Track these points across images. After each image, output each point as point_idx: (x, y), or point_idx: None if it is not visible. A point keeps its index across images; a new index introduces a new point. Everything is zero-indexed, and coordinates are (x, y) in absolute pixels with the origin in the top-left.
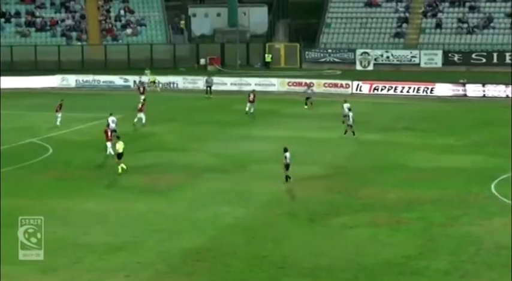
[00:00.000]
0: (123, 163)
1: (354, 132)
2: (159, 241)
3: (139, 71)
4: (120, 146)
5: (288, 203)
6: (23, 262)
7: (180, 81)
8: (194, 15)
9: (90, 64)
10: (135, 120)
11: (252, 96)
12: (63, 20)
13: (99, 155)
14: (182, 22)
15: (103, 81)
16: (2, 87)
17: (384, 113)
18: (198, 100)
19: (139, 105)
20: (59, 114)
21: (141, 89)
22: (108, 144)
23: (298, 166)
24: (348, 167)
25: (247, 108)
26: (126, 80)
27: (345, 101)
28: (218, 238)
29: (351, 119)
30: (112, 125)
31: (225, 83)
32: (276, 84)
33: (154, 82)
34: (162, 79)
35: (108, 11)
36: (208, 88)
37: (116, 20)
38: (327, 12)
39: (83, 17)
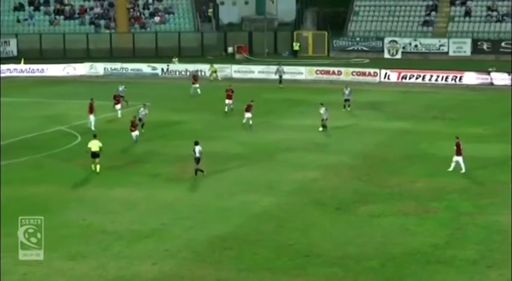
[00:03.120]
0: (98, 163)
1: (326, 127)
2: (186, 228)
3: (167, 59)
4: (93, 145)
5: (315, 192)
6: (52, 249)
7: (208, 70)
8: (222, 3)
9: (118, 52)
10: (244, 121)
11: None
12: (91, 8)
13: (126, 143)
14: (210, 10)
15: (131, 69)
16: (31, 75)
17: (412, 102)
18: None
19: (246, 106)
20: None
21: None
22: (133, 134)
23: (326, 154)
24: (376, 156)
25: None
26: (154, 68)
27: (321, 104)
28: (245, 226)
29: (324, 116)
30: (142, 114)
31: (253, 71)
32: (303, 72)
33: (215, 72)
34: (190, 67)
35: None
36: (280, 78)
37: (144, 8)
38: (355, 0)
39: (111, 5)
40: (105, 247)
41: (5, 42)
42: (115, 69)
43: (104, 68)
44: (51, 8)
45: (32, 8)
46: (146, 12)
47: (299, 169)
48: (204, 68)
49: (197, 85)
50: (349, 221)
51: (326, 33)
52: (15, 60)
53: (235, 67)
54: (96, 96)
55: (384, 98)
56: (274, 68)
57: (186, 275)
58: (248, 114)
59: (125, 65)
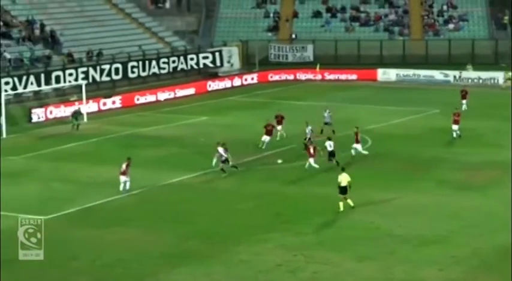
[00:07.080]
0: (349, 199)
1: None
2: (474, 236)
3: (459, 66)
4: (343, 179)
5: None
6: (342, 249)
7: (501, 78)
8: None
9: (410, 59)
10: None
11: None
12: (386, 15)
13: (417, 148)
14: (506, 17)
15: (423, 76)
16: (329, 78)
17: None
18: None
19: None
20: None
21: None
22: (311, 160)
23: None
24: None
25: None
26: (446, 75)
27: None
28: None
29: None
30: (326, 116)
31: None
32: None
33: (510, 79)
34: (483, 75)
35: (431, 6)
36: None
37: (438, 15)
38: None
39: (405, 12)
40: (391, 250)
41: (303, 47)
42: (407, 75)
43: (396, 74)
44: (347, 15)
45: (329, 15)
46: (440, 19)
47: None
48: (497, 76)
49: (464, 101)
50: None
51: None
52: (311, 65)
53: None
54: (386, 101)
55: None
56: None
57: None
58: (455, 126)
59: (417, 72)
